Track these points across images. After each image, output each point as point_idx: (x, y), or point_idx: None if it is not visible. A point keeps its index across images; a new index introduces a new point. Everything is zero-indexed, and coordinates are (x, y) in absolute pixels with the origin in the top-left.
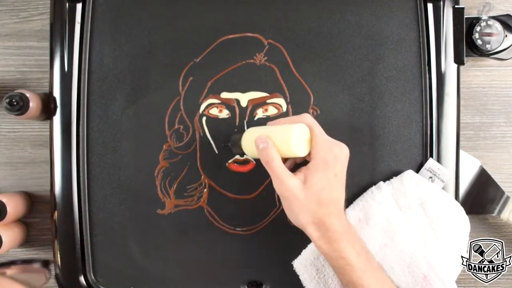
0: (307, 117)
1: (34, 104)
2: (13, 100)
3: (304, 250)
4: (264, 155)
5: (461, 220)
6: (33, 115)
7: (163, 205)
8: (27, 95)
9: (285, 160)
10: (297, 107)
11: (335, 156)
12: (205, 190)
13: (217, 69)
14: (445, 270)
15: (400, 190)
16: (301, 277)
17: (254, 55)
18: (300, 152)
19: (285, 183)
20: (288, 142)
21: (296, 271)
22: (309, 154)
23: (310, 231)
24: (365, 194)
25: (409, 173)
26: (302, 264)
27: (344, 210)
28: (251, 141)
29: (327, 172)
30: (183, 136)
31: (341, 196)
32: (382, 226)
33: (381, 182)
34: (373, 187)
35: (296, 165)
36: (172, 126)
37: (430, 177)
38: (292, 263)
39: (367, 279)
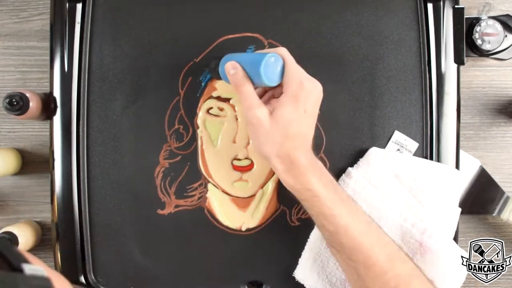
0: (283, 49)
1: (34, 104)
2: (13, 100)
3: (300, 259)
4: (235, 80)
5: (442, 174)
6: (33, 115)
7: (163, 205)
8: (27, 95)
9: (263, 93)
10: None
11: (307, 91)
12: (205, 190)
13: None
14: (438, 230)
15: (369, 169)
16: (305, 285)
17: None
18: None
19: (253, 109)
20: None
21: (299, 281)
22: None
23: (275, 163)
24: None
25: (374, 150)
26: (302, 273)
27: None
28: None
29: (297, 106)
30: (183, 136)
31: (310, 132)
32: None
33: (350, 168)
34: (343, 175)
35: None
36: (172, 126)
37: (398, 149)
38: (293, 275)
39: (336, 209)
